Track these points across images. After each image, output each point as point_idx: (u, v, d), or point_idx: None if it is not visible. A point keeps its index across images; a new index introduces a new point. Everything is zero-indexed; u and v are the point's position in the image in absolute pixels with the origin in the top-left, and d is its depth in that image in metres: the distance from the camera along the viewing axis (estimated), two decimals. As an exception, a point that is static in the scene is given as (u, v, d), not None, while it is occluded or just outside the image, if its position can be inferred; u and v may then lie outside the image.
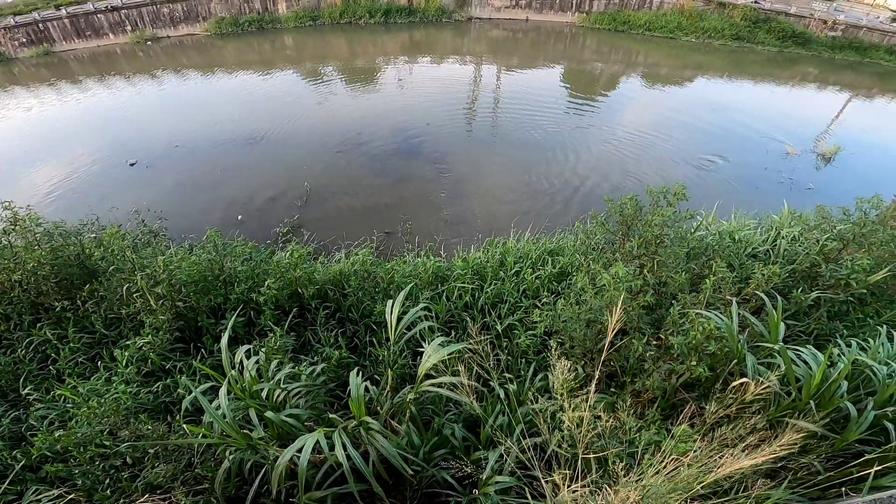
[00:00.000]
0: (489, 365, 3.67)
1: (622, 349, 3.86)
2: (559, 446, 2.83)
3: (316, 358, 4.44)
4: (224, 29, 26.05)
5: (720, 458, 2.32)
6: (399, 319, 3.75)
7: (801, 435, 2.57)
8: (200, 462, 3.33)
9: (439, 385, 3.29)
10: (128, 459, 3.35)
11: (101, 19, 24.66)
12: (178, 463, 3.31)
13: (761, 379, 2.94)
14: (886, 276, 4.56)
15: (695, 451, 2.43)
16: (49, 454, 3.34)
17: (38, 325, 4.78)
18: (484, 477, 2.96)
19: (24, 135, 15.61)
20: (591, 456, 2.66)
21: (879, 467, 2.70)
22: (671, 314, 3.79)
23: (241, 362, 3.43)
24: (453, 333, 5.03)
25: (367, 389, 3.46)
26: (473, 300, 5.53)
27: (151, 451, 3.33)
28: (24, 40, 23.57)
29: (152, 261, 5.11)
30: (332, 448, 2.79)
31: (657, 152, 13.83)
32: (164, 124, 15.59)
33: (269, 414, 3.01)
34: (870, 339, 3.99)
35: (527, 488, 2.80)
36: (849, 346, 3.85)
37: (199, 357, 4.60)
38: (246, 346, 3.58)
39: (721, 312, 3.70)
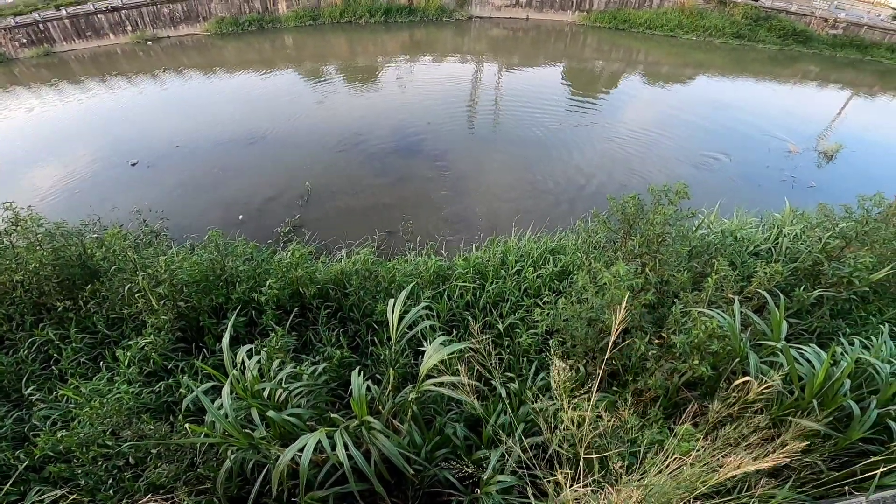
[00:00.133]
0: (491, 364, 3.67)
1: (624, 348, 3.86)
2: (560, 446, 2.83)
3: (317, 357, 4.44)
4: (224, 29, 26.04)
5: (723, 457, 2.31)
6: (400, 319, 3.75)
7: (804, 435, 2.57)
8: (203, 462, 3.33)
9: (441, 384, 3.28)
10: (130, 459, 3.35)
11: (101, 19, 24.66)
12: (181, 463, 3.31)
13: (764, 378, 2.93)
14: (889, 274, 4.55)
15: (697, 451, 2.42)
16: (52, 454, 3.34)
17: (41, 325, 4.79)
18: (485, 476, 2.95)
19: (26, 135, 15.62)
20: (594, 455, 2.66)
21: (886, 469, 2.69)
22: (673, 313, 3.79)
23: (243, 362, 3.43)
24: (455, 332, 5.03)
25: (368, 389, 3.45)
26: (475, 299, 5.53)
27: (154, 450, 3.33)
28: (25, 41, 23.58)
29: (154, 261, 5.11)
30: (333, 447, 2.79)
31: (659, 150, 13.81)
32: (165, 124, 15.59)
33: (270, 413, 3.01)
34: (872, 338, 3.98)
35: (528, 488, 2.79)
36: (851, 344, 3.85)
37: (200, 357, 4.60)
38: (248, 346, 3.58)
39: (723, 311, 3.69)
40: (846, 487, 2.77)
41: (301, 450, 2.77)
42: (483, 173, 12.36)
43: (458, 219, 10.41)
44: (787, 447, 2.25)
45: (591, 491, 2.45)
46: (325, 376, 3.96)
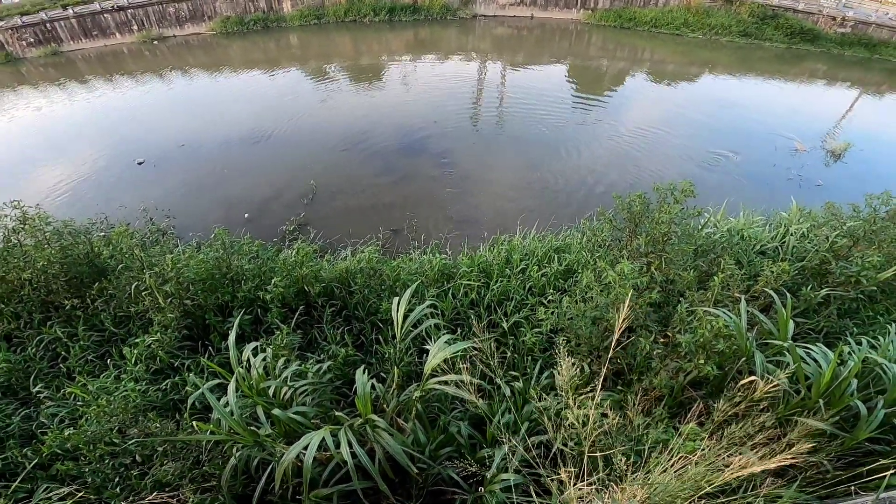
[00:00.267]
0: (495, 363, 3.67)
1: (629, 347, 3.85)
2: (564, 444, 2.82)
3: (322, 356, 4.45)
4: (229, 28, 26.14)
5: (728, 456, 2.31)
6: (405, 317, 3.75)
7: (813, 439, 2.55)
8: (208, 460, 3.35)
9: (445, 383, 3.29)
10: (137, 457, 3.37)
11: (107, 19, 24.80)
12: (186, 461, 3.33)
13: (770, 377, 2.92)
14: (897, 274, 4.52)
15: (702, 450, 2.42)
16: (59, 452, 3.36)
17: (49, 323, 4.82)
18: (489, 475, 2.96)
19: (35, 134, 15.74)
20: (598, 454, 2.66)
21: (895, 471, 2.66)
22: (679, 312, 3.77)
23: (249, 360, 3.44)
24: (459, 331, 5.03)
25: (373, 387, 3.46)
26: (479, 298, 5.53)
27: (160, 448, 3.35)
28: (32, 40, 23.75)
29: (160, 259, 5.15)
30: (337, 446, 2.80)
31: (664, 149, 13.76)
32: (171, 123, 15.67)
33: (276, 411, 3.03)
34: (880, 337, 3.95)
35: (532, 486, 2.79)
36: (859, 343, 3.82)
37: (206, 355, 4.63)
38: (253, 344, 3.59)
39: (729, 310, 3.67)
40: (852, 487, 2.76)
41: (305, 448, 2.78)
42: (488, 172, 12.35)
43: (462, 217, 10.41)
44: (794, 447, 2.24)
45: (596, 489, 2.45)
46: (330, 374, 3.97)
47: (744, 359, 3.39)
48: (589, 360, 3.88)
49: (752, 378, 2.99)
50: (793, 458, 2.21)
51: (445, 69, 21.16)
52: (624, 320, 2.72)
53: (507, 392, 3.54)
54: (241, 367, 3.31)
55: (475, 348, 3.86)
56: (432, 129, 14.58)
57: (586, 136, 14.42)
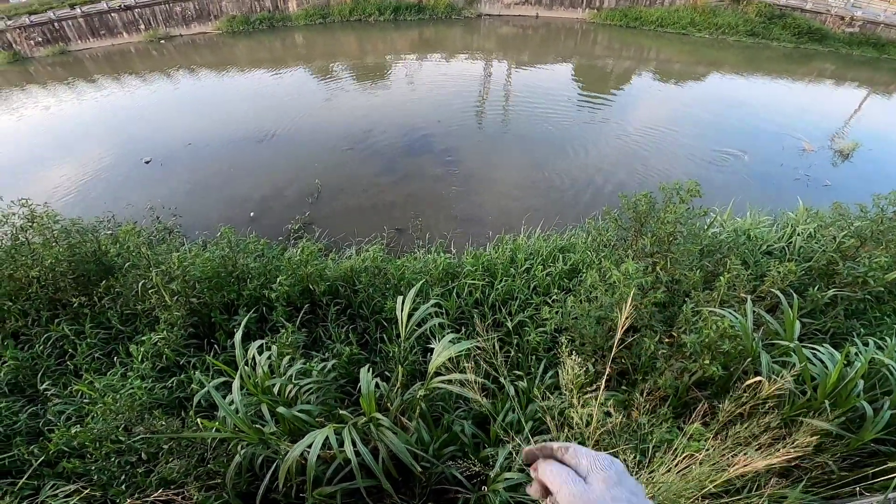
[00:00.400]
0: (499, 362, 3.67)
1: (634, 347, 3.84)
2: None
3: (327, 354, 4.46)
4: (235, 27, 26.26)
5: (733, 456, 2.30)
6: (409, 316, 3.76)
7: (816, 435, 2.54)
8: (213, 457, 3.37)
9: (450, 382, 3.29)
10: (142, 455, 3.40)
11: (114, 18, 24.97)
12: (191, 458, 3.35)
13: (776, 378, 2.91)
14: (904, 274, 4.48)
15: (707, 450, 2.41)
16: (66, 449, 3.38)
17: (56, 320, 4.86)
18: (493, 474, 2.96)
19: (43, 133, 15.87)
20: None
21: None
22: (684, 312, 3.76)
23: (254, 358, 3.46)
24: (463, 330, 5.03)
25: (377, 386, 3.47)
26: (484, 297, 5.53)
27: (165, 446, 3.37)
28: (40, 39, 23.94)
29: (167, 257, 5.17)
30: (341, 444, 2.81)
31: (671, 148, 13.69)
32: (178, 123, 15.76)
33: (280, 409, 3.04)
34: (887, 338, 3.92)
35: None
36: (865, 344, 3.79)
37: (212, 353, 4.65)
38: (258, 342, 3.61)
39: (735, 310, 3.66)
40: (857, 488, 2.74)
41: (309, 446, 2.79)
42: (493, 171, 12.34)
43: (467, 216, 10.40)
44: (798, 441, 2.23)
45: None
46: (335, 373, 3.98)
47: (749, 359, 3.37)
48: (593, 359, 3.87)
49: (758, 378, 2.98)
50: (797, 452, 2.20)
51: (450, 68, 21.16)
52: (627, 319, 2.71)
53: (511, 391, 3.54)
54: (247, 365, 3.33)
55: (479, 347, 3.86)
56: (437, 129, 14.58)
57: (592, 135, 14.38)
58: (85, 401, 3.85)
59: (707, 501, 2.32)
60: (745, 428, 2.69)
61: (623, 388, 3.86)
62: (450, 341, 3.35)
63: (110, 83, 20.19)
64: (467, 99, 17.22)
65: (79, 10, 24.11)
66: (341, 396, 3.97)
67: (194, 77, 20.58)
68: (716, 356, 3.37)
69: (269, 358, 3.52)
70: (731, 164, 12.94)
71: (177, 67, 21.65)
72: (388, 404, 3.45)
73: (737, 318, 3.45)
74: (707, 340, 3.33)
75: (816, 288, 4.48)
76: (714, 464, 2.30)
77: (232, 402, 3.06)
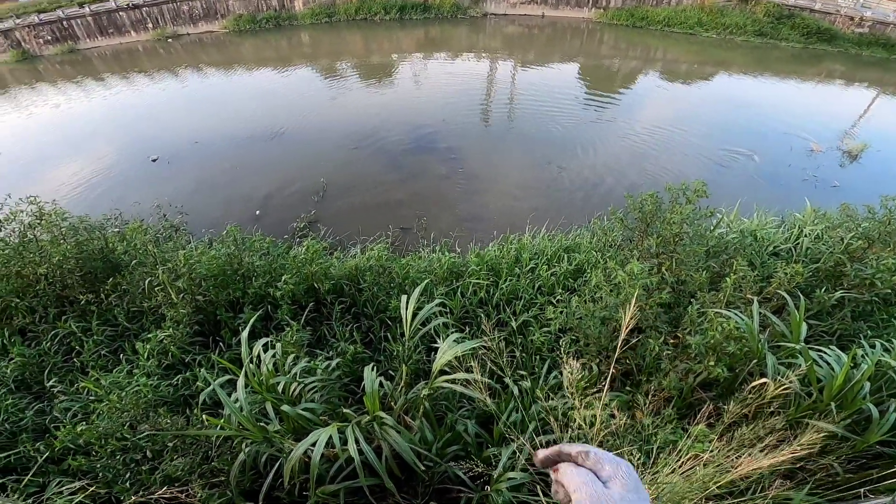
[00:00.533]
0: (503, 362, 3.67)
1: (638, 348, 3.83)
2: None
3: (331, 352, 4.47)
4: (242, 26, 26.37)
5: (737, 458, 2.29)
6: (414, 315, 3.76)
7: (822, 436, 2.52)
8: (217, 455, 3.38)
9: (454, 381, 3.29)
10: (147, 452, 3.41)
11: (123, 17, 25.13)
12: (196, 456, 3.36)
13: (781, 379, 2.89)
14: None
15: (711, 451, 2.40)
16: (71, 446, 3.40)
17: (63, 317, 4.89)
18: (496, 474, 2.96)
19: (52, 131, 16.00)
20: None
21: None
22: (689, 313, 3.75)
23: (259, 356, 3.47)
24: (468, 329, 5.03)
25: (381, 384, 3.47)
26: (488, 296, 5.52)
27: (170, 443, 3.38)
28: (49, 38, 24.13)
29: (173, 255, 5.19)
30: (345, 443, 2.81)
31: (678, 148, 13.62)
32: (184, 121, 15.85)
33: (285, 407, 3.05)
34: (894, 340, 3.89)
35: (539, 485, 2.79)
36: (872, 346, 3.76)
37: (217, 350, 4.67)
38: (263, 340, 3.62)
39: (741, 311, 3.64)
40: (862, 490, 2.72)
41: (313, 444, 2.79)
42: (498, 170, 12.32)
43: (472, 216, 10.39)
44: (803, 440, 2.21)
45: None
46: (339, 371, 3.99)
47: (755, 361, 3.35)
48: (598, 360, 3.86)
49: (764, 380, 2.97)
50: (803, 451, 2.19)
51: (456, 68, 21.15)
52: (631, 319, 2.70)
53: (515, 391, 3.54)
54: (252, 363, 3.34)
55: (484, 347, 3.86)
56: (442, 127, 14.58)
57: (598, 135, 14.33)
58: (91, 398, 3.88)
59: (711, 503, 2.31)
60: (751, 430, 2.67)
61: (627, 388, 3.85)
62: (454, 340, 3.35)
63: (118, 81, 20.32)
64: (473, 98, 17.20)
65: (87, 9, 24.29)
66: (345, 395, 3.98)
67: (201, 76, 20.68)
68: (721, 357, 3.35)
69: (273, 356, 3.53)
70: (739, 164, 12.85)
71: (184, 66, 21.76)
72: (392, 403, 3.45)
73: (743, 320, 3.43)
74: (712, 342, 3.32)
75: (823, 290, 4.45)
76: (718, 465, 2.29)
77: (237, 400, 3.07)
